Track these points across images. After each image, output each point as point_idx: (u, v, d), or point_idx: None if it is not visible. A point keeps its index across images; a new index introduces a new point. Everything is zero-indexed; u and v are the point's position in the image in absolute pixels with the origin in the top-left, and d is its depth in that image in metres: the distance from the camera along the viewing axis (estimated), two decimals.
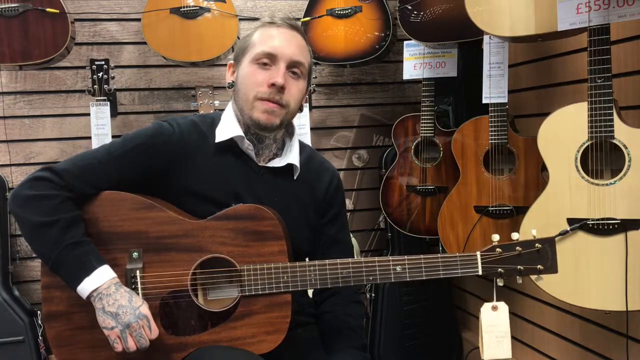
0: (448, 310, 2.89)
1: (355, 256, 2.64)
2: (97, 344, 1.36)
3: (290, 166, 1.51)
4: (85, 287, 1.31)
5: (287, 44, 1.44)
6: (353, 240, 2.71)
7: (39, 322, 2.51)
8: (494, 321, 1.39)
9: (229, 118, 1.49)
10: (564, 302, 1.77)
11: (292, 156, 1.51)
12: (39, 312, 2.52)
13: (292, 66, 1.44)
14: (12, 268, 2.60)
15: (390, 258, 1.36)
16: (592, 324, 2.11)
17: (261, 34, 1.46)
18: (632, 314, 1.74)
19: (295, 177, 1.52)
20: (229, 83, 1.50)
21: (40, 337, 2.50)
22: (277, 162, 1.50)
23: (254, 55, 1.43)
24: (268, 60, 1.42)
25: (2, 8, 2.33)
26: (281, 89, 1.41)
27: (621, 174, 1.66)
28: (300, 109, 1.52)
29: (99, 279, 1.32)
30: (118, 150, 1.42)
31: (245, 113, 1.45)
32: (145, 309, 1.32)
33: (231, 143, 1.47)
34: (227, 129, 1.47)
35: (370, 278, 1.36)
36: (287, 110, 1.45)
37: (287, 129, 1.53)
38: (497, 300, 1.40)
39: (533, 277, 1.39)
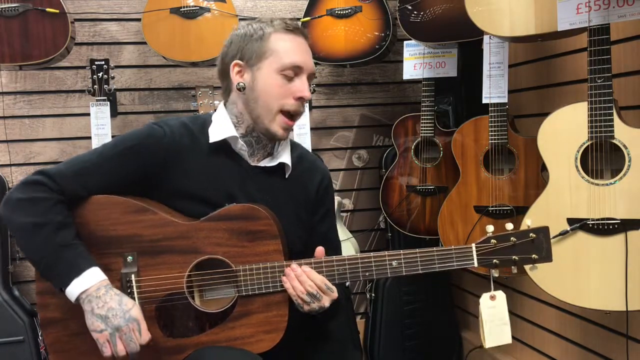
0: (448, 310, 2.89)
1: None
2: (95, 350, 1.35)
3: (282, 165, 1.52)
4: (74, 289, 1.31)
5: (308, 56, 1.47)
6: (353, 240, 2.72)
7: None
8: (494, 310, 1.40)
9: (221, 119, 1.49)
10: (564, 302, 1.77)
11: (283, 155, 1.52)
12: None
13: (310, 78, 1.48)
14: (12, 268, 2.60)
15: (387, 253, 1.36)
16: (592, 324, 2.11)
17: (284, 42, 1.44)
18: (632, 314, 1.74)
19: (287, 176, 1.53)
20: (240, 85, 1.45)
21: (40, 337, 2.50)
22: (269, 162, 1.51)
23: (281, 66, 1.42)
24: (294, 72, 1.44)
25: (2, 8, 2.33)
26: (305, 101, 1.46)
27: (621, 174, 1.66)
28: None
29: (88, 281, 1.31)
30: (110, 152, 1.42)
31: (260, 121, 1.45)
32: (135, 312, 1.32)
33: (223, 144, 1.47)
34: (220, 129, 1.47)
35: (367, 274, 1.36)
36: (300, 117, 1.51)
37: None
38: (492, 285, 1.41)
39: (527, 267, 1.40)
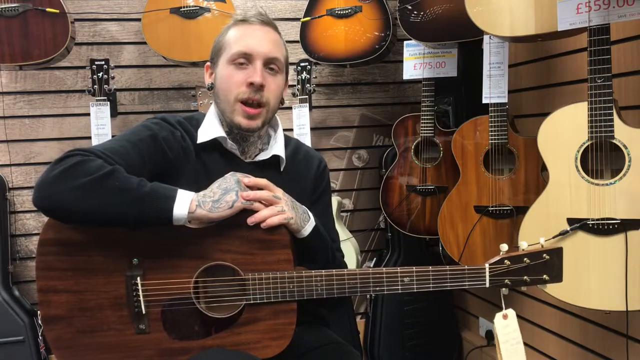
0: (448, 310, 2.89)
1: (355, 256, 2.65)
2: (100, 347, 1.35)
3: (276, 158, 1.52)
4: (180, 212, 1.27)
5: (261, 41, 1.44)
6: (353, 240, 2.72)
7: (39, 322, 2.51)
8: (507, 329, 1.40)
9: (211, 119, 1.51)
10: (564, 302, 1.77)
11: (277, 148, 1.52)
12: (39, 312, 2.52)
13: (269, 63, 1.45)
14: (12, 268, 2.60)
15: (399, 269, 1.35)
16: (592, 324, 2.11)
17: (234, 33, 1.46)
18: (632, 314, 1.74)
19: (281, 169, 1.53)
20: (208, 85, 1.51)
21: (40, 337, 2.50)
22: (263, 156, 1.51)
23: (229, 56, 1.44)
24: (244, 59, 1.43)
25: (2, 8, 2.33)
26: (260, 87, 1.42)
27: (621, 174, 1.66)
28: (282, 102, 1.54)
29: (186, 195, 1.29)
30: (133, 137, 1.40)
31: (226, 115, 1.46)
32: (235, 174, 1.35)
33: (215, 143, 1.48)
34: (209, 129, 1.48)
35: (377, 288, 1.35)
36: (268, 108, 1.46)
37: (270, 122, 1.54)
38: (504, 304, 1.40)
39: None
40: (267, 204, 1.35)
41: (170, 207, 1.27)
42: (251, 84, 1.41)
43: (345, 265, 1.61)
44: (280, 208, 1.34)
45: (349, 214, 3.12)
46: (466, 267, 1.35)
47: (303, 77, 2.62)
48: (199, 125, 1.51)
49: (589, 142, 1.70)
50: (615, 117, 1.65)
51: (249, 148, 1.52)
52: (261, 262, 1.34)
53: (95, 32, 2.77)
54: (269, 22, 1.48)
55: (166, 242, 1.34)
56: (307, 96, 2.62)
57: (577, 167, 1.72)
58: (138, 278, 1.34)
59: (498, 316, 1.40)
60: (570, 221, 1.73)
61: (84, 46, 2.76)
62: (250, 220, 1.32)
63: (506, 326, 1.40)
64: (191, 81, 2.87)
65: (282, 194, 1.38)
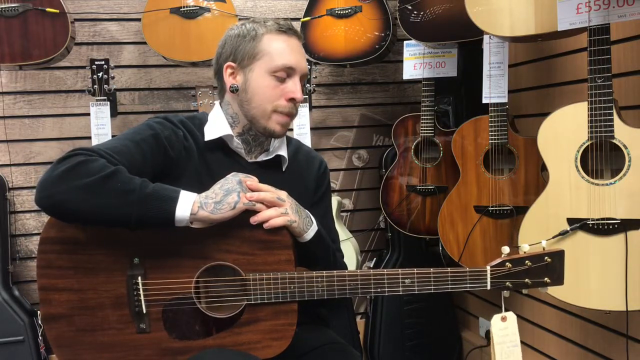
0: (448, 310, 2.89)
1: (355, 256, 2.66)
2: (101, 345, 1.35)
3: (279, 159, 1.54)
4: (182, 214, 1.27)
5: (301, 57, 1.49)
6: (353, 240, 2.72)
7: (39, 322, 2.52)
8: (505, 332, 1.39)
9: (217, 118, 1.51)
10: (564, 302, 1.77)
11: (280, 149, 1.54)
12: (39, 312, 2.52)
13: (303, 78, 1.50)
14: (12, 268, 2.60)
15: (400, 271, 1.35)
16: (592, 324, 2.11)
17: (275, 43, 1.46)
18: (632, 314, 1.74)
19: (283, 169, 1.55)
20: (233, 87, 1.48)
21: (40, 337, 2.50)
22: (266, 156, 1.53)
23: (272, 67, 1.44)
24: (286, 73, 1.45)
25: (2, 8, 2.33)
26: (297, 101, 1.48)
27: (621, 174, 1.66)
28: None
29: (188, 200, 1.29)
30: (135, 137, 1.40)
31: (257, 121, 1.47)
32: (237, 175, 1.35)
33: (220, 142, 1.49)
34: (216, 128, 1.49)
35: (379, 290, 1.35)
36: (294, 117, 1.52)
37: None
38: (504, 306, 1.40)
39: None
40: (270, 205, 1.35)
41: (172, 209, 1.27)
42: (293, 99, 1.46)
43: (345, 266, 1.61)
44: (283, 210, 1.35)
45: (349, 214, 3.12)
46: (468, 269, 1.35)
47: None
48: (202, 124, 1.51)
49: (589, 142, 1.70)
50: (615, 117, 1.65)
51: (255, 148, 1.53)
52: (262, 263, 1.35)
53: (95, 32, 2.77)
54: (300, 35, 1.52)
55: (167, 241, 1.34)
56: (306, 96, 2.63)
57: (577, 167, 1.72)
58: (139, 277, 1.34)
59: (496, 317, 1.40)
60: (570, 221, 1.73)
61: (84, 46, 2.76)
62: (253, 219, 1.33)
63: (504, 328, 1.39)
64: (191, 81, 2.87)
65: (286, 196, 1.38)
